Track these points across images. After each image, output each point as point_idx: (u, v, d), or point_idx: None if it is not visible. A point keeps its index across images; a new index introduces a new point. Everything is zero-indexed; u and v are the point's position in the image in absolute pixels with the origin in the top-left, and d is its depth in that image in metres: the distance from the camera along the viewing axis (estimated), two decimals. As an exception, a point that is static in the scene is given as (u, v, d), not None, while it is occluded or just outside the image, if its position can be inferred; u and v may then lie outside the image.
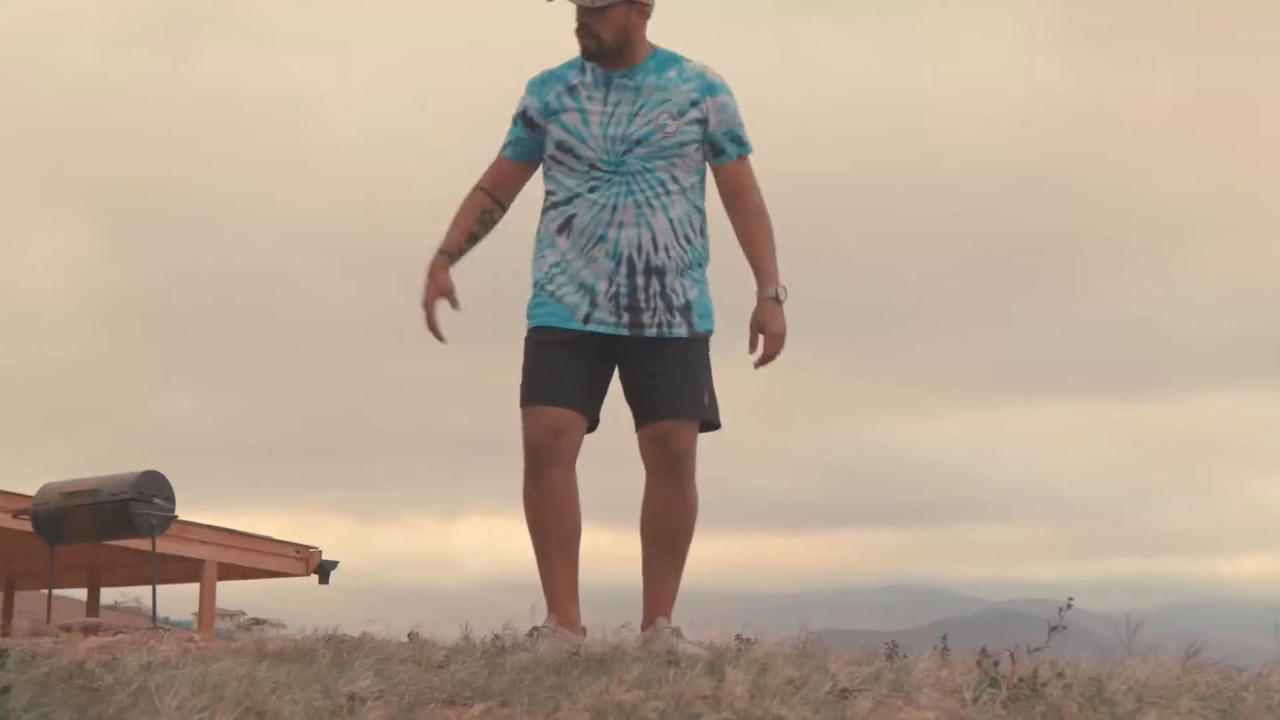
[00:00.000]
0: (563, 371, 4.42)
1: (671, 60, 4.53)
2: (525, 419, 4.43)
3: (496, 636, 4.87)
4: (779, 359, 4.51)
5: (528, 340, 4.53)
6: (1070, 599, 3.96)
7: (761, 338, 4.48)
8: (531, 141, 4.59)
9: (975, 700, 3.19)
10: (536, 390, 4.42)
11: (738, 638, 5.29)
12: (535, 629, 4.38)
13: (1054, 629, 3.91)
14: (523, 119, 4.59)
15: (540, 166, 4.60)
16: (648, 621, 4.48)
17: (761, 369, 4.48)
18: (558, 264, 4.47)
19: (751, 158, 4.57)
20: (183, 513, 11.86)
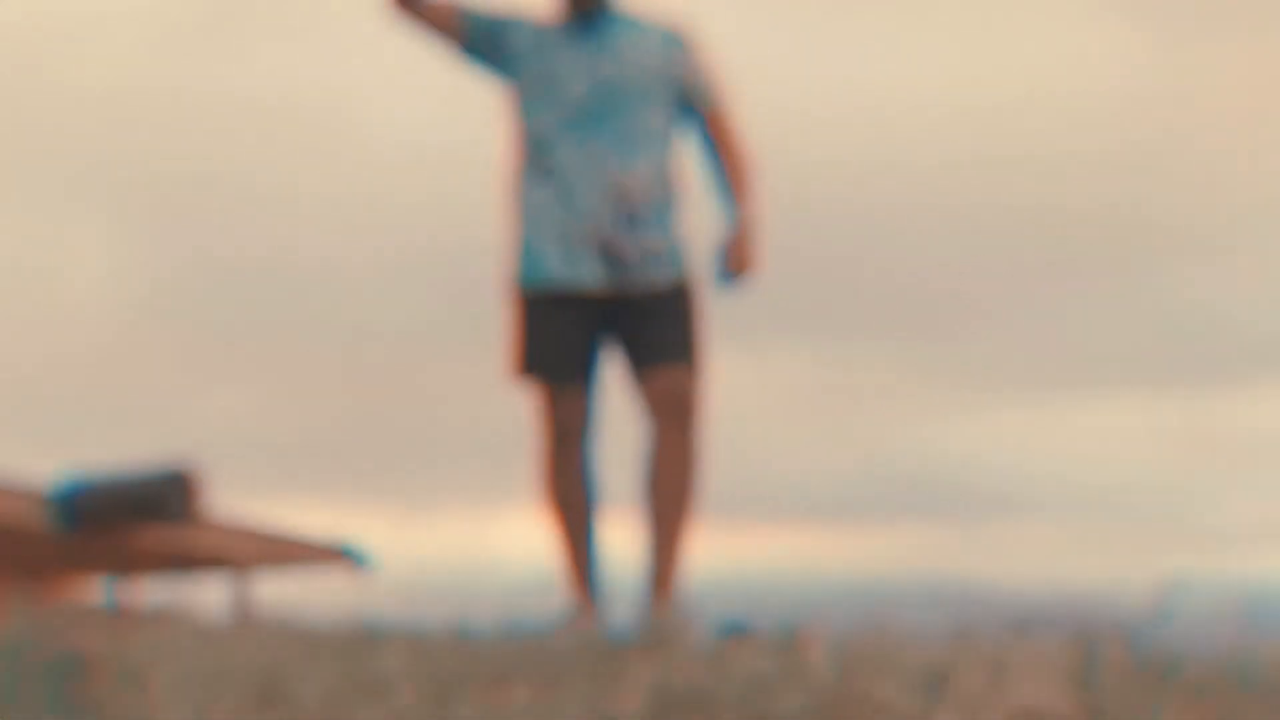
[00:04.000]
0: (571, 342, 4.29)
1: (641, 21, 4.45)
2: (549, 398, 4.27)
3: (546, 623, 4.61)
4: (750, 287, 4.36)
5: (521, 303, 4.35)
6: (1174, 580, 3.54)
7: (732, 257, 4.31)
8: (490, 38, 4.40)
9: (1088, 684, 2.80)
10: (554, 366, 4.28)
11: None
12: (570, 613, 4.17)
13: (1159, 615, 3.49)
14: (502, 26, 4.40)
15: (506, 99, 4.43)
16: (658, 594, 4.19)
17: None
18: (536, 212, 4.33)
19: (731, 110, 4.45)
20: (217, 507, 11.57)
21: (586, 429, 4.28)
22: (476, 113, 4.56)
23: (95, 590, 18.63)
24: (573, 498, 4.28)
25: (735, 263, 4.29)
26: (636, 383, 4.26)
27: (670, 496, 4.21)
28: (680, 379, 4.21)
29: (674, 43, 4.41)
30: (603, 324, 4.29)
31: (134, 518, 10.16)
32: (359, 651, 3.14)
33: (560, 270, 4.26)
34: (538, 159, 4.32)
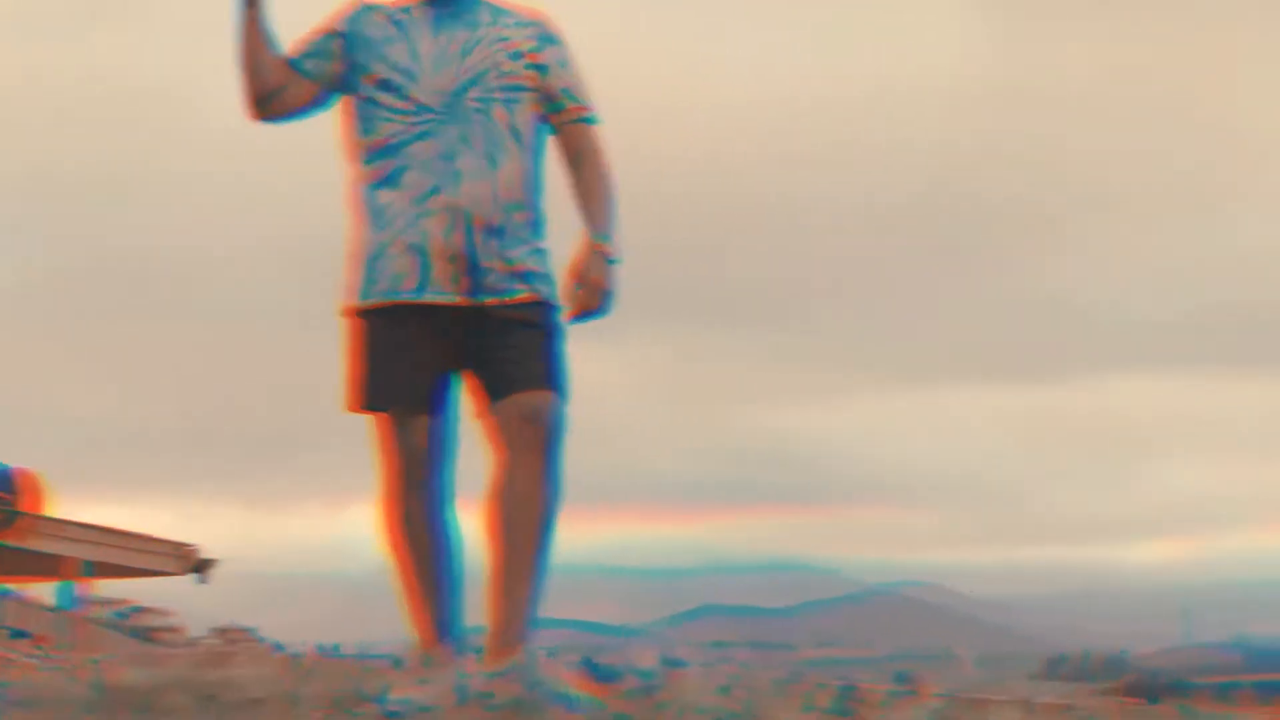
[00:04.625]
0: (421, 363, 3.81)
1: (504, 8, 4.01)
2: (397, 426, 3.80)
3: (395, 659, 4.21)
4: (600, 320, 3.88)
5: (365, 320, 3.86)
6: (1189, 610, 3.24)
7: (579, 288, 3.83)
8: (327, 64, 3.94)
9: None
10: (401, 391, 3.81)
11: (664, 661, 4.66)
12: (420, 666, 3.72)
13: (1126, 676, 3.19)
14: (330, 38, 3.95)
15: (349, 105, 3.94)
16: (501, 640, 3.70)
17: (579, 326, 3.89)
18: (383, 224, 3.83)
19: (599, 126, 4.02)
20: (69, 505, 10.97)
21: (437, 462, 3.82)
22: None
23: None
24: (421, 538, 3.82)
25: (578, 289, 3.82)
26: (493, 411, 3.79)
27: (526, 535, 3.75)
28: (542, 408, 3.76)
29: (542, 36, 3.96)
30: (457, 345, 3.82)
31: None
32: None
33: (410, 284, 3.79)
34: (387, 158, 3.83)
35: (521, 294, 3.81)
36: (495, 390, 3.80)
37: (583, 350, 3.99)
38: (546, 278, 3.88)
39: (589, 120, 3.98)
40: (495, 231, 3.79)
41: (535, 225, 3.90)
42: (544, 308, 3.85)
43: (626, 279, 3.95)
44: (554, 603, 3.84)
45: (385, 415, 3.81)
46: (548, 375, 3.80)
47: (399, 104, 3.83)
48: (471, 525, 3.84)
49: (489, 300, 3.78)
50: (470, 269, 3.78)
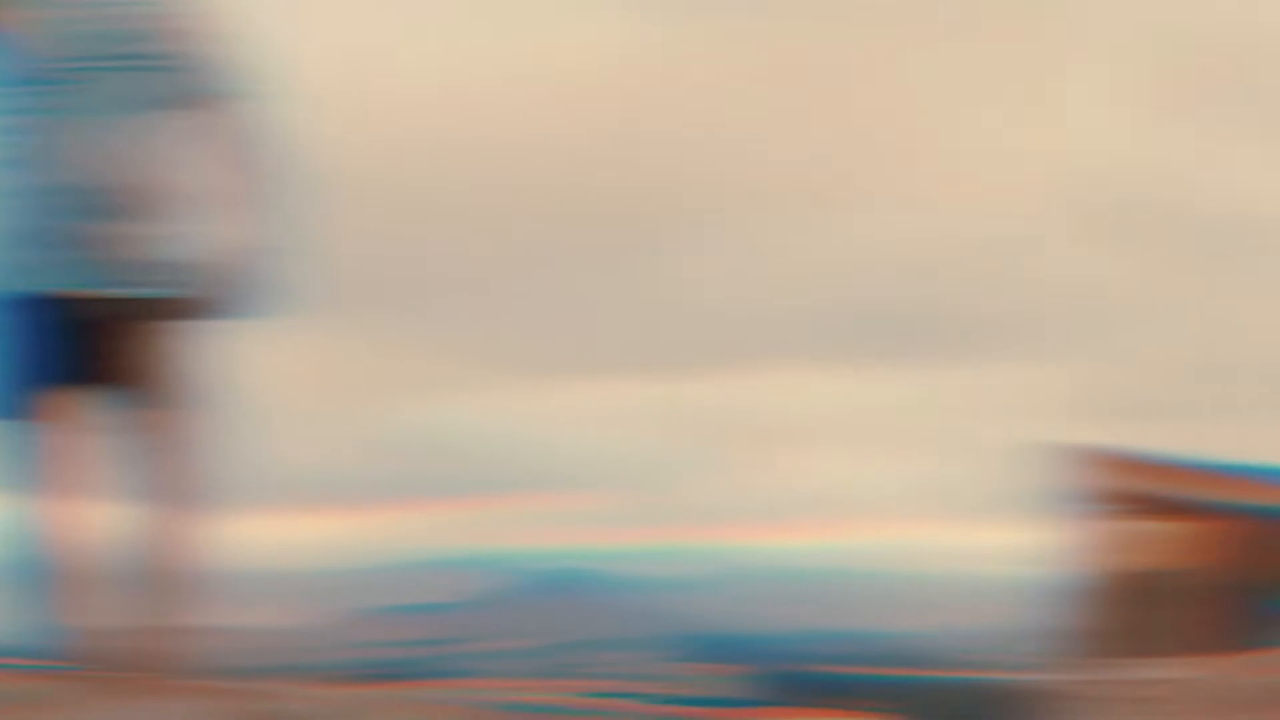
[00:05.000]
0: (49, 367, 3.48)
1: None
2: (32, 434, 3.52)
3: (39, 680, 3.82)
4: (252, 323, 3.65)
5: None
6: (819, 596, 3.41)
7: (225, 281, 3.58)
8: None
9: None
10: (34, 398, 3.51)
11: (333, 671, 4.39)
12: (64, 695, 3.51)
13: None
14: None
15: None
16: (150, 663, 3.53)
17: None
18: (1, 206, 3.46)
19: (252, 107, 3.64)
20: None
21: (77, 468, 3.52)
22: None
23: None
24: (61, 546, 3.50)
25: (221, 288, 3.52)
26: (125, 422, 3.56)
27: (172, 549, 3.51)
28: (176, 420, 3.53)
29: (184, 2, 3.57)
30: (89, 344, 3.49)
31: None
32: None
33: (32, 273, 3.44)
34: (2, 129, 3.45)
35: (155, 291, 3.49)
36: (127, 399, 3.55)
37: (242, 343, 3.71)
38: (184, 269, 3.54)
39: (238, 94, 3.60)
40: (129, 215, 3.45)
41: (171, 210, 3.54)
42: (181, 304, 3.53)
43: (289, 270, 3.61)
44: (218, 608, 3.67)
45: (20, 422, 3.52)
46: (182, 384, 3.54)
47: (15, 67, 3.45)
48: (117, 533, 3.63)
49: (119, 294, 3.47)
50: (97, 256, 3.44)
